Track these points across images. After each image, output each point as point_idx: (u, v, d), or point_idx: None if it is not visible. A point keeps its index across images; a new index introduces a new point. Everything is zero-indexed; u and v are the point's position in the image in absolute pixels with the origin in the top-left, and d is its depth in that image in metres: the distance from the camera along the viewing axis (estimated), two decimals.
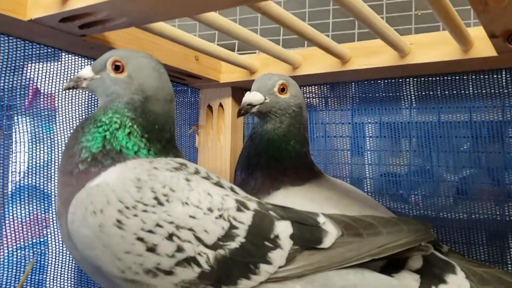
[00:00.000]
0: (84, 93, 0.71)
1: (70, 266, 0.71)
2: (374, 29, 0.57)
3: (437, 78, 0.73)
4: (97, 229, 0.40)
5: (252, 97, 0.62)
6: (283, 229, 0.44)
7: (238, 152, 0.68)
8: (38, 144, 0.67)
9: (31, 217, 0.67)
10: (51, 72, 0.67)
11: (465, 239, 0.74)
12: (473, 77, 0.71)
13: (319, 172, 0.67)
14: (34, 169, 0.67)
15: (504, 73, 0.68)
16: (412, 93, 0.77)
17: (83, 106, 0.72)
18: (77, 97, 0.71)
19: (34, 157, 0.67)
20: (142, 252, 0.40)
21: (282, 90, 0.63)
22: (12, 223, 0.65)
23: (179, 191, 0.42)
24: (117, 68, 0.49)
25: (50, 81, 0.67)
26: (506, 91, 0.69)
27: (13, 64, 0.60)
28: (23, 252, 0.66)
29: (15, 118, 0.65)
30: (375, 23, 0.56)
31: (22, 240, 0.67)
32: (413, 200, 0.80)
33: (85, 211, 0.41)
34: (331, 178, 0.68)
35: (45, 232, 0.69)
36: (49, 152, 0.68)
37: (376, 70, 0.70)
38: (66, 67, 0.67)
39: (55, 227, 0.69)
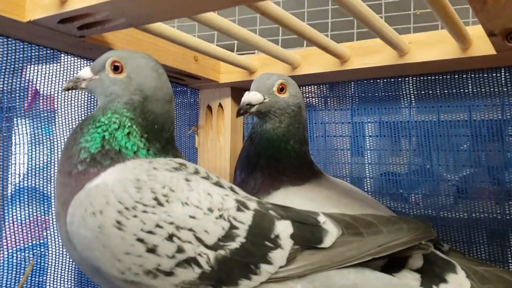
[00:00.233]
0: (83, 94, 0.71)
1: (70, 268, 0.71)
2: (373, 28, 0.57)
3: (436, 77, 0.73)
4: (96, 230, 0.40)
5: (251, 96, 0.62)
6: (284, 228, 0.44)
7: (238, 152, 0.68)
8: (37, 146, 0.67)
9: (31, 218, 0.67)
10: (51, 74, 0.67)
11: (466, 238, 0.74)
12: (472, 75, 0.71)
13: (319, 171, 0.66)
14: (33, 170, 0.67)
15: (503, 71, 0.69)
16: (412, 92, 0.77)
17: (82, 107, 0.72)
18: (76, 98, 0.71)
19: (33, 159, 0.67)
20: (142, 253, 0.39)
21: (281, 89, 0.63)
22: (12, 225, 0.65)
23: (178, 191, 0.42)
24: (116, 69, 0.49)
25: (50, 82, 0.67)
26: (505, 89, 0.69)
27: (12, 66, 0.60)
28: (23, 254, 0.66)
29: (15, 120, 0.65)
30: (374, 22, 0.56)
31: (22, 242, 0.67)
32: (413, 199, 0.80)
33: (84, 212, 0.40)
34: (331, 178, 0.68)
35: (45, 233, 0.69)
36: (49, 154, 0.68)
37: (375, 69, 0.70)
38: (66, 68, 0.67)
39: (55, 228, 0.69)
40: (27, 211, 0.66)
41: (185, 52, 0.73)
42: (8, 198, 0.66)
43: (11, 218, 0.65)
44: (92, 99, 0.72)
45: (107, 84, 0.49)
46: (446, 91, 0.73)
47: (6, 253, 0.65)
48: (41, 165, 0.68)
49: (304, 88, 0.86)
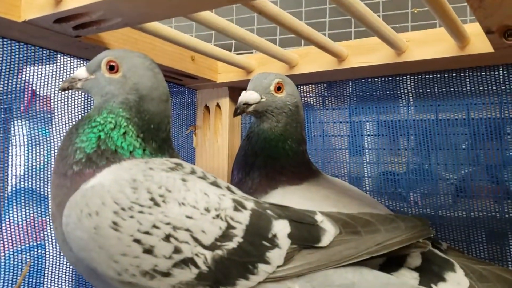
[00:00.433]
0: (80, 95, 0.71)
1: (67, 269, 0.70)
2: (370, 27, 0.56)
3: (434, 75, 0.73)
4: (92, 231, 0.39)
5: (248, 96, 0.61)
6: (281, 228, 0.43)
7: (236, 152, 0.68)
8: (35, 147, 0.67)
9: (29, 220, 0.67)
10: (47, 74, 0.66)
11: (465, 237, 0.74)
12: (470, 74, 0.71)
13: (317, 171, 0.66)
14: (31, 172, 0.67)
15: (501, 69, 0.68)
16: (410, 90, 0.77)
17: (79, 108, 0.71)
18: (73, 99, 0.70)
19: (31, 160, 0.66)
20: (138, 254, 0.39)
21: (279, 89, 0.63)
22: (9, 226, 0.65)
23: (175, 192, 0.42)
24: (112, 68, 0.48)
25: (47, 83, 0.67)
26: (503, 87, 0.69)
27: (7, 67, 0.60)
28: (21, 255, 0.66)
29: (13, 121, 0.64)
30: (371, 21, 0.55)
31: (19, 243, 0.66)
32: (412, 198, 0.80)
33: (80, 213, 0.40)
34: (329, 177, 0.68)
35: (42, 235, 0.69)
36: (46, 155, 0.68)
37: (373, 68, 0.70)
38: (62, 69, 0.67)
39: (52, 230, 0.68)
40: (24, 213, 0.66)
41: (182, 51, 0.73)
42: (6, 200, 0.65)
43: (9, 220, 0.65)
44: (90, 100, 0.72)
45: (103, 84, 0.49)
46: (444, 89, 0.73)
47: (3, 254, 0.64)
48: (39, 166, 0.68)
49: (302, 87, 0.86)
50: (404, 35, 0.65)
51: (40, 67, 0.65)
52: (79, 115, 0.71)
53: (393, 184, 0.80)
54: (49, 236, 0.69)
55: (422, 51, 0.64)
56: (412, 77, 0.76)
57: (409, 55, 0.65)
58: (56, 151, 0.67)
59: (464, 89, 0.72)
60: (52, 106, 0.70)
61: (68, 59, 0.67)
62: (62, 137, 0.68)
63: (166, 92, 0.51)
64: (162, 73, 0.52)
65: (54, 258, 0.69)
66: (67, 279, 0.71)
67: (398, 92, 0.78)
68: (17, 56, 0.60)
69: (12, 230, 0.65)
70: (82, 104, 0.72)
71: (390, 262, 0.47)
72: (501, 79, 0.69)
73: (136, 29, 0.58)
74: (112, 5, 0.47)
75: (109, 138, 0.46)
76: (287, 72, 0.75)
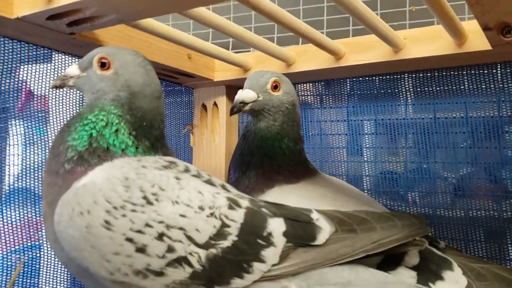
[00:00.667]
0: (76, 94, 0.70)
1: (63, 270, 0.70)
2: (368, 24, 0.56)
3: (432, 73, 0.73)
4: (84, 230, 0.39)
5: (244, 94, 0.61)
6: (276, 226, 0.43)
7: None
8: (31, 147, 0.66)
9: (25, 220, 0.66)
10: (43, 73, 0.66)
11: (463, 236, 0.73)
12: (468, 72, 0.70)
13: (314, 169, 0.66)
14: (27, 171, 0.66)
15: (499, 67, 0.68)
16: (408, 89, 0.76)
17: (76, 107, 0.71)
18: (69, 98, 0.70)
19: (27, 160, 0.66)
20: (131, 253, 0.39)
21: (275, 87, 0.62)
22: (5, 226, 0.64)
23: (168, 190, 0.42)
24: (103, 65, 0.48)
25: (43, 82, 0.66)
26: (501, 85, 0.68)
27: (3, 66, 0.59)
28: (16, 255, 0.66)
29: (9, 120, 0.64)
30: (368, 18, 0.55)
31: (15, 244, 0.66)
32: (410, 197, 0.80)
33: (71, 212, 0.40)
34: (326, 176, 0.68)
35: (38, 235, 0.69)
36: (43, 155, 0.68)
37: (371, 66, 0.69)
38: (58, 67, 0.67)
39: None
40: (20, 213, 0.66)
41: (179, 49, 0.72)
42: (2, 199, 0.65)
43: (4, 220, 0.64)
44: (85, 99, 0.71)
45: (95, 81, 0.48)
46: (442, 87, 0.73)
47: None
48: (35, 166, 0.67)
49: (299, 86, 0.85)
50: (402, 32, 0.65)
51: (36, 66, 0.65)
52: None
53: (391, 183, 0.80)
54: (45, 236, 0.68)
55: (419, 48, 0.64)
56: (410, 75, 0.75)
57: (406, 52, 0.65)
58: None
59: (462, 87, 0.71)
60: (48, 105, 0.69)
61: (64, 57, 0.66)
62: None
63: (159, 89, 0.51)
64: (155, 70, 0.52)
65: (50, 258, 0.69)
66: (62, 280, 0.70)
67: (396, 90, 0.77)
68: (11, 54, 0.59)
69: (8, 230, 0.64)
70: (78, 103, 0.71)
71: (387, 261, 0.47)
72: (499, 77, 0.69)
73: (131, 26, 0.58)
74: (105, 1, 0.47)
75: (101, 136, 0.45)
76: (284, 71, 0.74)
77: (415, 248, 0.46)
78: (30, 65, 0.64)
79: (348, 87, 0.82)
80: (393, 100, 0.78)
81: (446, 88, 0.72)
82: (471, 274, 0.49)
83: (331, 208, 0.52)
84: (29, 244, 0.68)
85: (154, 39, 0.66)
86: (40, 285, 0.68)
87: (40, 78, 0.66)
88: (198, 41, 0.67)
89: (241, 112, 0.62)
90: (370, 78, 0.78)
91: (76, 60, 0.67)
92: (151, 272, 0.39)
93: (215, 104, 0.87)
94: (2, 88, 0.61)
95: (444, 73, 0.72)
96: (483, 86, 0.70)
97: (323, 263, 0.42)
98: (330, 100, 0.84)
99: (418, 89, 0.75)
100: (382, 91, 0.78)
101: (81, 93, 0.69)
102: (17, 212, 0.66)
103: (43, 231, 0.68)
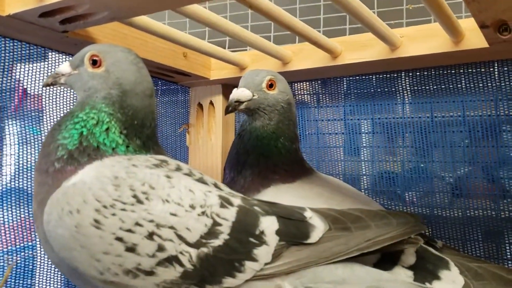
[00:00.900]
0: (71, 93, 0.70)
1: (58, 271, 0.69)
2: (364, 22, 0.56)
3: (429, 72, 0.72)
4: (73, 229, 0.38)
5: (240, 93, 0.60)
6: (269, 224, 0.42)
7: None
8: (25, 146, 0.66)
9: (20, 220, 0.66)
10: (38, 72, 0.65)
11: (461, 235, 0.73)
12: (465, 70, 0.70)
13: (310, 169, 0.65)
14: (22, 171, 0.66)
15: (496, 65, 0.67)
16: (405, 88, 0.76)
17: (70, 106, 0.70)
18: (64, 97, 0.69)
19: (22, 160, 0.65)
20: (121, 252, 0.38)
21: (271, 86, 0.62)
22: (0, 226, 0.64)
23: (159, 189, 0.41)
24: (95, 63, 0.48)
25: (37, 81, 0.66)
26: (498, 83, 0.68)
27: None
28: (9, 256, 0.65)
29: (4, 120, 0.64)
30: (365, 16, 0.55)
31: (10, 244, 0.65)
32: (407, 197, 0.79)
33: (61, 211, 0.39)
34: (323, 175, 0.67)
35: (32, 235, 0.68)
36: (37, 154, 0.67)
37: (367, 64, 0.69)
38: (53, 66, 0.66)
39: None
40: (15, 213, 0.65)
41: (174, 48, 0.72)
42: None
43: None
44: None
45: (86, 79, 0.48)
46: (439, 86, 0.72)
47: None
48: (30, 165, 0.67)
49: (296, 84, 0.85)
50: (398, 30, 0.64)
51: (30, 65, 0.65)
52: None
53: (389, 183, 0.79)
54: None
55: (416, 46, 0.63)
56: (407, 74, 0.75)
57: (403, 50, 0.64)
58: None
59: (459, 85, 0.71)
60: (43, 105, 0.69)
61: (59, 56, 0.66)
62: None
63: (151, 87, 0.50)
64: (150, 69, 0.51)
65: (44, 259, 0.68)
66: (57, 280, 0.69)
67: (393, 89, 0.77)
68: (4, 53, 0.59)
69: (2, 230, 0.64)
70: (73, 102, 0.71)
71: (384, 261, 0.46)
72: (496, 76, 0.68)
73: (125, 24, 0.57)
74: None
75: (91, 135, 0.45)
76: (280, 69, 0.74)
77: (411, 246, 0.46)
78: (24, 64, 0.64)
79: (344, 86, 0.81)
80: (390, 99, 0.78)
81: (443, 86, 0.72)
82: (468, 273, 0.49)
83: (327, 207, 0.51)
84: (23, 244, 0.67)
85: (149, 37, 0.66)
86: (34, 286, 0.67)
87: (35, 77, 0.65)
88: (193, 39, 0.67)
89: (236, 111, 0.62)
90: (367, 77, 0.78)
91: (71, 59, 0.67)
92: (141, 272, 0.38)
93: (211, 103, 0.86)
94: None
95: (441, 72, 0.71)
96: (480, 85, 0.69)
97: (317, 261, 0.42)
98: (327, 99, 0.83)
99: (415, 88, 0.75)
100: (379, 90, 0.78)
101: (67, 88, 0.69)
102: (12, 212, 0.65)
103: None
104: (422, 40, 0.63)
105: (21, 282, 0.65)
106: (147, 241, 0.38)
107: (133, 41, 0.65)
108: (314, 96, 0.85)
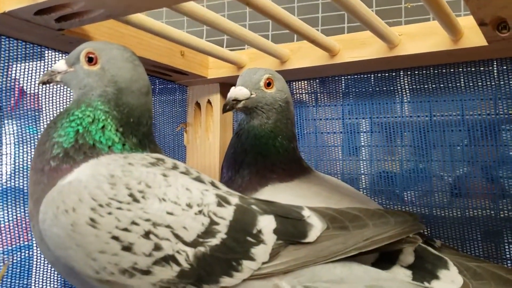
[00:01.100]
0: (69, 92, 0.69)
1: (55, 270, 0.69)
2: (363, 20, 0.55)
3: (428, 70, 0.72)
4: (69, 228, 0.38)
5: (237, 92, 0.60)
6: (266, 223, 0.42)
7: None
8: (23, 146, 0.65)
9: (16, 220, 0.65)
10: (35, 71, 0.65)
11: (460, 235, 0.72)
12: (464, 68, 0.69)
13: (308, 168, 0.65)
14: (19, 171, 0.65)
15: (495, 64, 0.67)
16: (403, 86, 0.76)
17: (68, 105, 0.70)
18: (61, 96, 0.69)
19: (19, 159, 0.65)
20: (117, 252, 0.38)
21: (268, 84, 0.61)
22: None
23: (155, 187, 0.41)
24: (90, 60, 0.47)
25: (35, 80, 0.65)
26: (497, 82, 0.68)
27: None
28: (5, 255, 0.64)
29: (2, 119, 0.63)
30: (363, 14, 0.54)
31: (7, 244, 0.65)
32: (406, 197, 0.79)
33: (56, 210, 0.39)
34: (321, 174, 0.67)
35: (29, 235, 0.67)
36: None
37: (365, 63, 0.69)
38: (50, 65, 0.66)
39: None
40: (12, 212, 0.65)
41: (171, 46, 0.71)
42: None
43: None
44: None
45: (82, 76, 0.47)
46: (438, 84, 0.72)
47: None
48: (27, 165, 0.67)
49: (294, 83, 0.85)
50: (397, 28, 0.64)
51: (27, 64, 0.64)
52: None
53: (388, 182, 0.79)
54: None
55: (415, 44, 0.63)
56: (406, 72, 0.74)
57: (401, 49, 0.64)
58: None
59: (458, 84, 0.71)
60: (40, 104, 0.69)
61: (56, 55, 0.65)
62: None
63: (147, 85, 0.50)
64: (147, 67, 0.51)
65: (42, 259, 0.68)
66: (54, 280, 0.69)
67: (392, 88, 0.76)
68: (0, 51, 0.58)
69: (0, 230, 0.63)
70: (70, 101, 0.70)
71: (382, 260, 0.46)
72: (495, 74, 0.68)
73: (122, 22, 0.57)
74: None
75: (87, 132, 0.44)
76: (278, 68, 0.74)
77: (409, 246, 0.46)
78: (21, 63, 0.63)
79: (343, 85, 0.81)
80: (389, 98, 0.77)
81: (442, 85, 0.72)
82: (467, 273, 0.49)
83: (325, 206, 0.51)
84: (19, 244, 0.67)
85: (145, 35, 0.65)
86: (31, 286, 0.67)
87: (32, 76, 0.65)
88: (191, 38, 0.66)
89: (234, 110, 0.61)
90: (366, 76, 0.77)
91: (67, 56, 0.66)
92: (137, 271, 0.38)
93: (209, 102, 0.86)
94: None
95: (440, 70, 0.71)
96: (480, 84, 0.69)
97: (315, 260, 0.41)
98: (325, 98, 0.83)
99: (414, 87, 0.74)
100: (378, 89, 0.77)
101: (63, 86, 0.68)
102: (9, 211, 0.65)
103: None
104: (421, 38, 0.63)
105: (17, 282, 0.65)
106: (144, 240, 0.38)
107: (130, 39, 0.64)
108: (312, 95, 0.84)
